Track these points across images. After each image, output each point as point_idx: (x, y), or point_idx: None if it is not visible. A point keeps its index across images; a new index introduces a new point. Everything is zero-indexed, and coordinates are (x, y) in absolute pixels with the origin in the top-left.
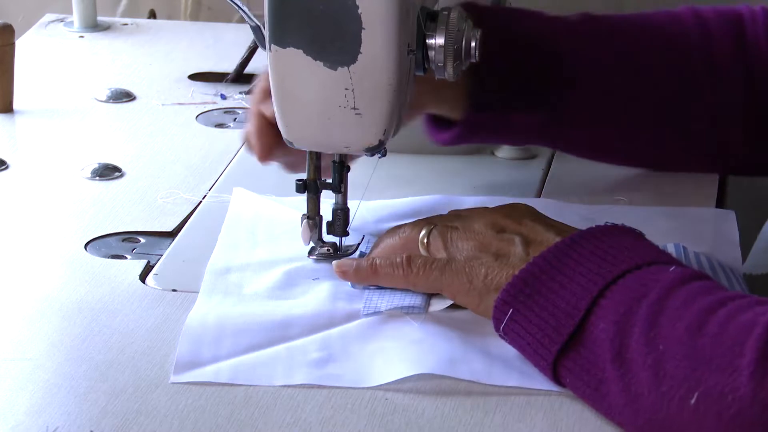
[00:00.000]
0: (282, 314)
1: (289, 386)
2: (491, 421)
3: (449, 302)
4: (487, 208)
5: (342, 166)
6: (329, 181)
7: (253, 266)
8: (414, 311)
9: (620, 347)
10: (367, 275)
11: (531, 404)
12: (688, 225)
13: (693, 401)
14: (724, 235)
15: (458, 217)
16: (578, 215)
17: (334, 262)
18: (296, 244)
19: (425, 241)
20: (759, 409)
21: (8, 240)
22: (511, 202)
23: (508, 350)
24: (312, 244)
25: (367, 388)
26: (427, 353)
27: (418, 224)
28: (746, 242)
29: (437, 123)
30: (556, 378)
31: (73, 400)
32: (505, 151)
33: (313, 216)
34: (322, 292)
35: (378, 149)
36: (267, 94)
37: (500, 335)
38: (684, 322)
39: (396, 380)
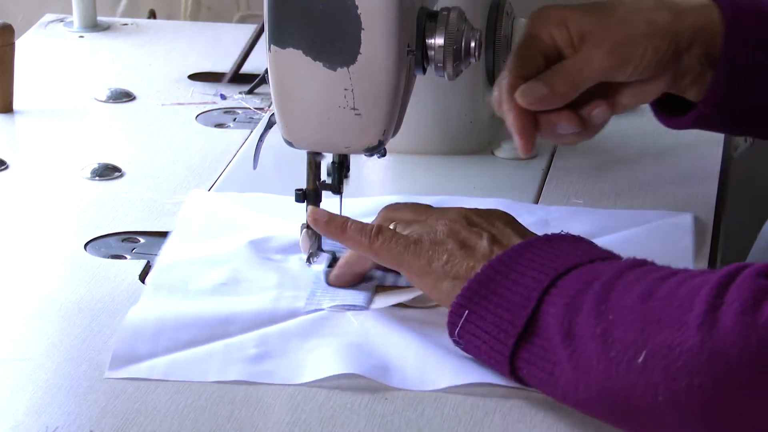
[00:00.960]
0: (224, 312)
1: (288, 386)
2: (491, 421)
3: (392, 302)
4: (460, 207)
5: (341, 167)
6: (329, 181)
7: (201, 262)
8: (356, 309)
9: (569, 325)
10: (335, 232)
11: (531, 404)
12: (642, 228)
13: (641, 360)
14: (677, 239)
15: (428, 209)
16: (535, 216)
17: (310, 207)
18: (246, 241)
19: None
20: (706, 357)
21: (8, 240)
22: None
23: (446, 352)
24: (310, 251)
25: (367, 388)
26: (364, 355)
27: (384, 221)
28: (746, 242)
29: (664, 106)
30: (514, 373)
31: (73, 400)
32: (505, 151)
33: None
34: (267, 290)
35: (378, 149)
36: (515, 83)
37: (455, 340)
38: (635, 293)
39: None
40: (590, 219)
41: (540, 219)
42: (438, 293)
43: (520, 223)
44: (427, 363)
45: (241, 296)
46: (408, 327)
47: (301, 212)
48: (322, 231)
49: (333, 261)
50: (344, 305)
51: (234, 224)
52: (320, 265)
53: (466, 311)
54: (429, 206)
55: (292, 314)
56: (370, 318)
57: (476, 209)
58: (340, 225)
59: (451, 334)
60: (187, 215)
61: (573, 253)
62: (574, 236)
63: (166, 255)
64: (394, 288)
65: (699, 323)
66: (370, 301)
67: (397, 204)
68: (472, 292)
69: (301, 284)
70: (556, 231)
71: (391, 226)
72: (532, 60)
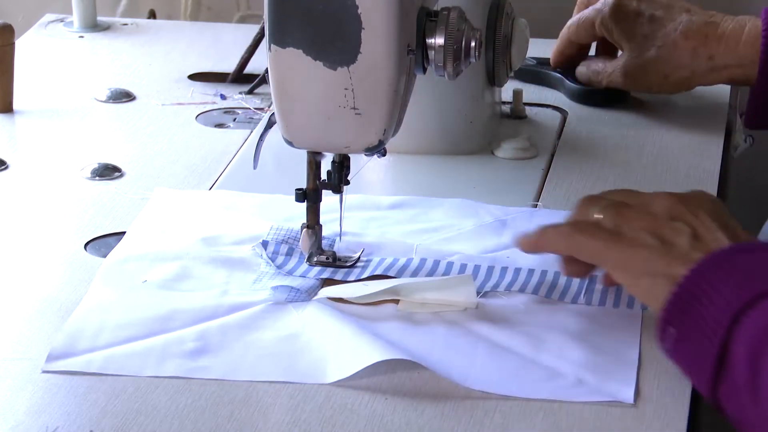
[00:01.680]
0: (167, 309)
1: (288, 386)
2: (491, 421)
3: (334, 294)
4: (667, 192)
5: (341, 167)
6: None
7: (151, 257)
8: (298, 299)
9: (755, 383)
10: (537, 238)
11: (531, 404)
12: None
13: None
14: None
15: (638, 195)
16: (492, 216)
17: (520, 239)
18: (198, 237)
19: (595, 216)
20: None
21: (8, 240)
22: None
23: (379, 338)
24: (310, 251)
25: (367, 388)
26: (299, 352)
27: (591, 201)
28: None
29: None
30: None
31: (73, 400)
32: (505, 151)
33: (312, 225)
34: (213, 287)
35: (378, 149)
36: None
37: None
38: None
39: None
40: (547, 220)
41: (497, 219)
42: (637, 290)
43: (726, 213)
44: (361, 345)
45: (186, 292)
46: (347, 320)
47: (280, 207)
48: (527, 248)
49: (333, 261)
50: (290, 288)
51: (191, 221)
52: (262, 250)
53: (670, 327)
54: (639, 192)
55: (234, 309)
56: (311, 310)
57: (680, 196)
58: (538, 232)
59: (661, 341)
60: (148, 212)
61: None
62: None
63: (118, 250)
64: (341, 282)
65: None
66: (314, 290)
67: (610, 190)
68: (673, 307)
69: (248, 282)
70: (512, 231)
71: (601, 204)
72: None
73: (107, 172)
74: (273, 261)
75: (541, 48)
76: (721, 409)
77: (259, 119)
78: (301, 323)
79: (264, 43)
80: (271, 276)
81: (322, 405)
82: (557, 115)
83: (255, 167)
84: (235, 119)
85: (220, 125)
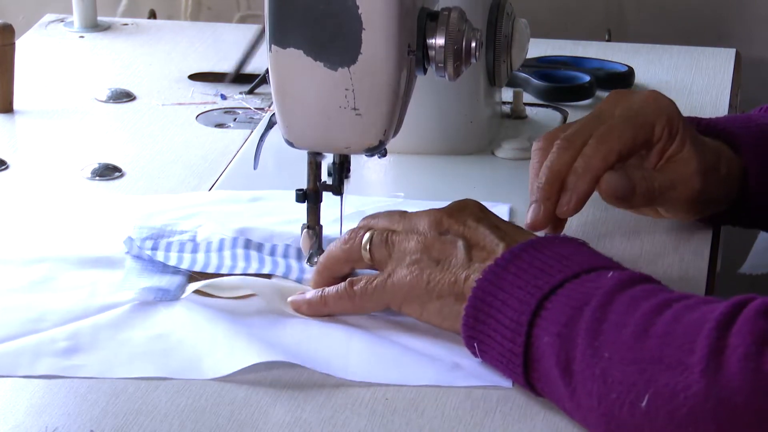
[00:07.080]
0: (36, 310)
1: (288, 386)
2: (491, 421)
3: (200, 287)
4: (432, 208)
5: (342, 167)
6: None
7: (17, 262)
8: (167, 297)
9: (567, 361)
10: (319, 308)
11: (531, 404)
12: None
13: (644, 403)
14: None
15: (403, 217)
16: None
17: (289, 299)
18: (66, 240)
19: (368, 247)
20: (712, 405)
21: (8, 240)
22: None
23: (253, 336)
24: (311, 252)
25: (368, 388)
26: (172, 350)
27: (360, 229)
28: (746, 242)
29: None
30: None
31: (73, 400)
32: (505, 151)
33: (312, 225)
34: (81, 287)
35: (378, 149)
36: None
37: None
38: (629, 327)
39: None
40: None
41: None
42: (428, 315)
43: (490, 214)
44: (235, 347)
45: (56, 293)
46: (218, 316)
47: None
48: (308, 313)
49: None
50: (158, 288)
51: (65, 222)
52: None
53: (475, 342)
54: (404, 212)
55: (103, 308)
56: (180, 309)
57: (445, 208)
58: (319, 300)
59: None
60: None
61: (556, 265)
62: (558, 239)
63: None
64: (209, 276)
65: (703, 368)
66: (181, 288)
67: (373, 214)
68: (472, 320)
69: (115, 281)
70: None
71: (367, 235)
72: None
73: (107, 172)
74: (139, 257)
75: (542, 48)
76: (537, 393)
77: (260, 119)
78: (171, 322)
79: (264, 44)
80: (139, 272)
81: (322, 405)
82: (557, 115)
83: (255, 167)
84: (235, 119)
85: (220, 125)
